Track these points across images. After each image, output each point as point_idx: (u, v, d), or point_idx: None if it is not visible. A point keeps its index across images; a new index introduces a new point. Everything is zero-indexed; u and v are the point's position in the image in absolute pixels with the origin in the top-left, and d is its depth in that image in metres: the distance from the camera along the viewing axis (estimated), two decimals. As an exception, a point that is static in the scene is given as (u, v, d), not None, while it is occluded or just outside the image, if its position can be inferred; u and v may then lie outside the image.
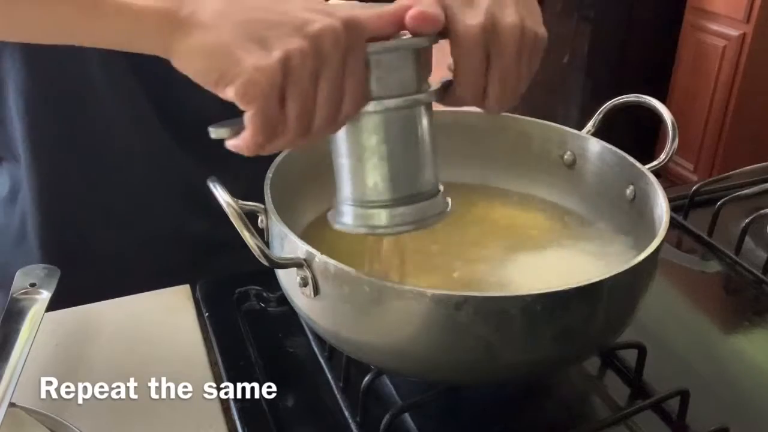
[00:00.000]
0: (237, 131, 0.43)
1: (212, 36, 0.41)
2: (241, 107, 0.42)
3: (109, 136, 0.71)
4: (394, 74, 0.44)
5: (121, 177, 0.73)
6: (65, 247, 0.74)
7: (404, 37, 0.45)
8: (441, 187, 0.50)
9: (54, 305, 0.59)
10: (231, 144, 0.44)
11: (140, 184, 0.74)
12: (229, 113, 0.46)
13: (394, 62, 0.44)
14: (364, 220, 0.47)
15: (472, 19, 0.45)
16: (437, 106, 0.49)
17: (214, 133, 0.44)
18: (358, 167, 0.46)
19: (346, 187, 0.48)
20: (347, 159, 0.47)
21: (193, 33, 0.42)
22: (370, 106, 0.44)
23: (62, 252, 0.73)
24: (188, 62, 0.43)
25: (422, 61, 0.46)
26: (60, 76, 0.67)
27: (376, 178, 0.46)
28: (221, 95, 0.42)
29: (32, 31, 0.47)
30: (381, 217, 0.47)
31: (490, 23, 0.45)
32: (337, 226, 0.49)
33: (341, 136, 0.46)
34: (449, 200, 0.50)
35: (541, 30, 0.49)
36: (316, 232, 0.63)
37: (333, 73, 0.42)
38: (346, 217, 0.48)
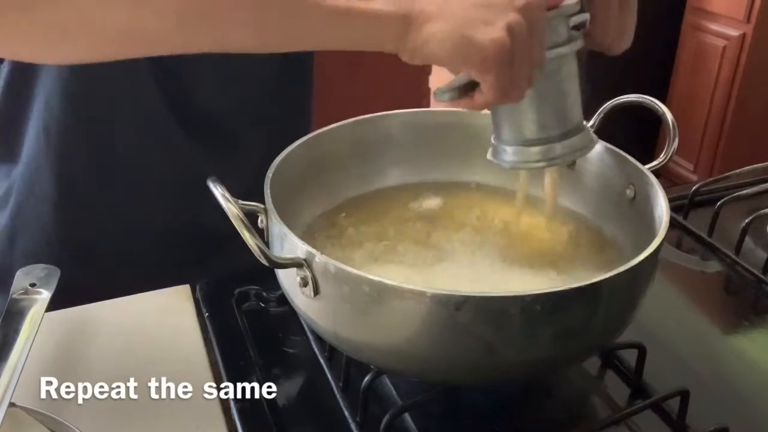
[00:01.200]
0: (463, 92, 0.51)
1: (444, 25, 0.48)
2: (480, 78, 0.49)
3: (121, 134, 0.71)
4: (561, 30, 0.52)
5: (131, 172, 0.73)
6: (68, 246, 0.74)
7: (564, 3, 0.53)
8: (584, 123, 0.56)
9: (54, 305, 0.59)
10: (462, 104, 0.51)
11: (149, 179, 0.74)
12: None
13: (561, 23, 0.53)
14: (521, 156, 0.55)
15: None
16: (437, 105, 0.53)
17: (442, 95, 0.51)
18: (528, 110, 0.53)
19: (509, 129, 0.55)
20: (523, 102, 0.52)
21: (427, 26, 0.49)
22: (550, 54, 0.51)
23: (65, 250, 0.73)
24: (423, 52, 0.49)
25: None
26: (75, 72, 0.67)
27: (545, 116, 0.53)
28: (461, 72, 0.50)
29: (283, 41, 0.51)
30: (555, 149, 0.54)
31: None
32: (494, 160, 0.56)
33: None
34: (593, 135, 0.57)
35: None
36: (317, 232, 0.63)
37: (540, 33, 0.50)
38: (506, 155, 0.55)
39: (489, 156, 0.57)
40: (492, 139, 0.57)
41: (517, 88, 0.50)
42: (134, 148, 0.72)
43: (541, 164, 0.55)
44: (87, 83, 0.67)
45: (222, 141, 0.74)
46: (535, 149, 0.54)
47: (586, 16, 0.54)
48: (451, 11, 0.49)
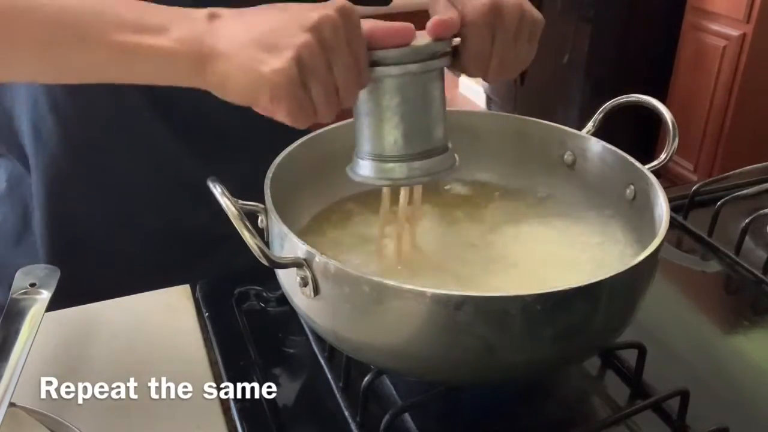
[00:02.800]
0: None
1: (232, 62, 0.46)
2: (276, 114, 0.47)
3: (110, 132, 0.71)
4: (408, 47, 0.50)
5: (123, 172, 0.73)
6: (68, 244, 0.74)
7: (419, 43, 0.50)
8: (450, 145, 0.55)
9: (54, 305, 0.59)
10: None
11: (142, 179, 0.74)
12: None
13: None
14: (383, 173, 0.53)
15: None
16: None
17: None
18: (380, 125, 0.51)
19: (366, 143, 0.53)
20: (369, 118, 0.52)
21: (217, 65, 0.47)
22: (393, 70, 0.49)
23: (65, 249, 0.73)
24: (223, 91, 0.48)
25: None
26: None
27: (395, 135, 0.51)
28: (260, 111, 0.48)
29: (68, 73, 0.51)
30: (399, 169, 0.52)
31: (496, 3, 0.52)
32: (357, 179, 0.54)
33: (363, 97, 0.51)
34: (457, 156, 0.55)
35: (539, 15, 0.56)
36: (317, 232, 0.63)
37: (341, 53, 0.47)
38: (366, 170, 0.53)
39: (348, 171, 0.55)
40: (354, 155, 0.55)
41: (323, 110, 0.48)
42: (123, 149, 0.72)
43: (389, 183, 0.53)
44: (71, 85, 0.67)
45: (214, 141, 0.74)
46: (389, 166, 0.52)
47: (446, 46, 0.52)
48: (238, 45, 0.46)
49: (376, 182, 0.53)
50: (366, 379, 0.52)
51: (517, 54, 0.55)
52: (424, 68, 0.50)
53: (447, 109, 0.54)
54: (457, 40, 0.53)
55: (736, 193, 0.82)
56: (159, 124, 0.72)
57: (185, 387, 0.58)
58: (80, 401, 0.56)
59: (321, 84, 0.47)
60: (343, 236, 0.63)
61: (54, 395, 0.56)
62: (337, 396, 0.56)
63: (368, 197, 0.67)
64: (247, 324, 0.65)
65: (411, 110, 0.51)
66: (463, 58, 0.54)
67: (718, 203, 0.80)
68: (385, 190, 0.58)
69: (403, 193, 0.58)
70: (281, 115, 0.47)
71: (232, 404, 0.56)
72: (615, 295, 0.48)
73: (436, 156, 0.53)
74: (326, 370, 0.58)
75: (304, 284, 0.48)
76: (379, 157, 0.52)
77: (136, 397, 0.57)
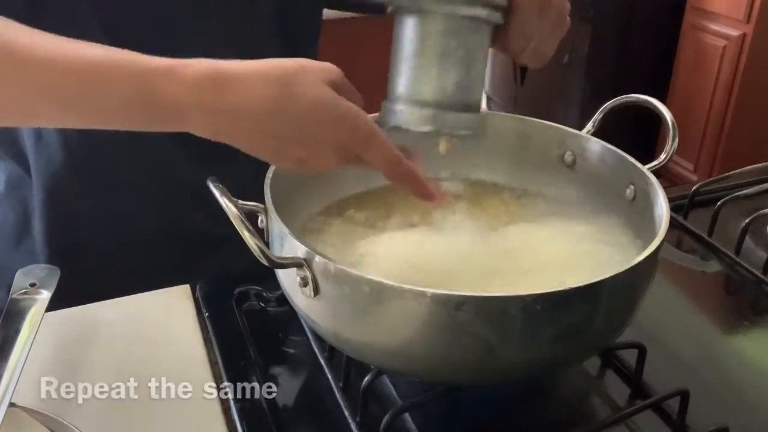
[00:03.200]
0: None
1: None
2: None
3: (109, 132, 0.71)
4: None
5: (123, 173, 0.73)
6: (68, 245, 0.74)
7: None
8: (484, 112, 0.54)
9: (54, 305, 0.59)
10: None
11: (141, 179, 0.74)
12: None
13: None
14: (426, 120, 0.51)
15: None
16: None
17: None
18: (431, 66, 0.50)
19: (406, 85, 0.51)
20: (420, 58, 0.50)
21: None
22: (461, 9, 0.49)
23: (65, 250, 0.73)
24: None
25: None
26: None
27: (447, 78, 0.50)
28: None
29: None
30: (443, 118, 0.51)
31: None
32: (392, 123, 0.52)
33: (417, 35, 0.50)
34: (486, 125, 0.55)
35: (567, 3, 0.58)
36: (316, 232, 0.63)
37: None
38: (404, 116, 0.51)
39: (381, 117, 0.53)
40: (384, 100, 0.54)
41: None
42: (122, 149, 0.71)
43: (427, 128, 0.51)
44: None
45: (214, 145, 0.74)
46: (426, 112, 0.51)
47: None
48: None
49: (415, 128, 0.51)
50: (366, 379, 0.52)
51: (550, 41, 0.57)
52: (473, 13, 0.50)
53: None
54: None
55: (736, 193, 0.82)
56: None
57: (185, 387, 0.58)
58: (80, 401, 0.56)
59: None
60: (343, 236, 0.63)
61: (54, 395, 0.56)
62: (337, 396, 0.56)
63: (368, 197, 0.67)
64: (247, 324, 0.65)
65: (466, 58, 0.50)
66: (509, 31, 0.54)
67: (718, 203, 0.80)
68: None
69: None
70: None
71: (232, 404, 0.56)
72: (615, 295, 0.48)
73: (473, 112, 0.52)
74: (326, 370, 0.58)
75: (304, 284, 0.48)
76: (421, 104, 0.51)
77: (136, 397, 0.57)
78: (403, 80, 0.51)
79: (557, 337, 0.47)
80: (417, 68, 0.50)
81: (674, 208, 0.79)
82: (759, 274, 0.73)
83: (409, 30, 0.50)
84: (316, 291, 0.48)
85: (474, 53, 0.51)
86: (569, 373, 0.60)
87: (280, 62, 0.48)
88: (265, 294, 0.68)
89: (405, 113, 0.51)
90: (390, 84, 0.52)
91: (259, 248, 0.46)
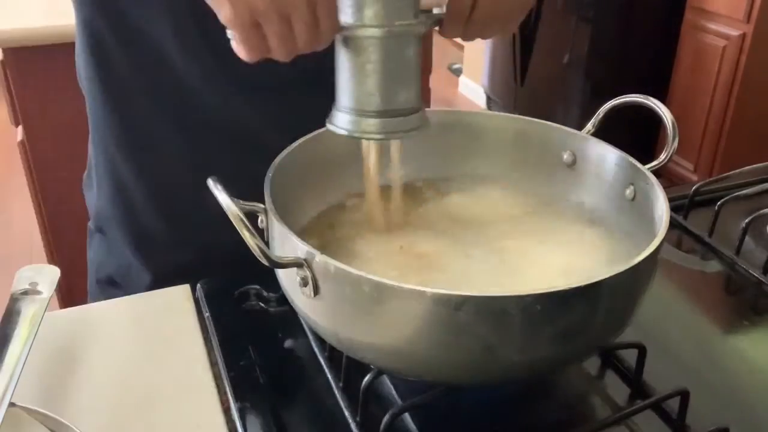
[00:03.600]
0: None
1: None
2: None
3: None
4: (390, 6, 0.51)
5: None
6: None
7: None
8: (422, 106, 0.57)
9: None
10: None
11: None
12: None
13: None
14: (358, 126, 0.54)
15: None
16: (438, 103, 0.51)
17: None
18: (360, 81, 0.53)
19: (345, 97, 0.54)
20: (350, 73, 0.53)
21: None
22: (374, 32, 0.51)
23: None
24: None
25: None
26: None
27: (373, 90, 0.53)
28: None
29: None
30: (374, 124, 0.54)
31: None
32: (331, 128, 0.56)
33: (345, 53, 0.53)
34: (428, 118, 0.57)
35: None
36: (317, 232, 0.63)
37: (301, 9, 0.48)
38: (343, 122, 0.55)
39: (327, 123, 0.57)
40: (333, 106, 0.57)
41: (276, 51, 0.50)
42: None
43: (375, 136, 0.55)
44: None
45: (213, 146, 0.75)
46: (371, 121, 0.54)
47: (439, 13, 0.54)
48: None
49: (349, 134, 0.55)
50: (366, 379, 0.52)
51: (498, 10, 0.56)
52: (402, 30, 0.52)
53: (447, 108, 0.54)
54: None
55: (736, 193, 0.82)
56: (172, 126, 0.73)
57: (185, 387, 0.58)
58: (80, 401, 0.56)
59: (274, 35, 0.49)
60: (343, 236, 0.63)
61: (54, 395, 0.56)
62: (337, 396, 0.56)
63: (368, 197, 0.67)
64: (247, 324, 0.65)
65: (390, 69, 0.53)
66: (446, 18, 0.54)
67: (718, 203, 0.80)
68: (365, 148, 0.60)
69: (374, 150, 0.60)
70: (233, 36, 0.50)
71: (232, 404, 0.56)
72: (615, 295, 0.48)
73: (409, 115, 0.55)
74: (326, 370, 0.58)
75: (304, 284, 0.48)
76: (356, 112, 0.54)
77: (136, 397, 0.57)
78: (345, 92, 0.54)
79: (557, 337, 0.47)
80: (352, 81, 0.54)
81: (674, 208, 0.79)
82: (759, 274, 0.73)
83: (345, 49, 0.53)
84: (316, 291, 0.48)
85: (407, 61, 0.54)
86: (569, 373, 0.60)
87: None
88: (265, 294, 0.68)
89: (352, 123, 0.55)
90: (336, 93, 0.55)
91: (259, 248, 0.46)
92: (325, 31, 0.51)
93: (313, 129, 0.63)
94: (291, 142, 0.61)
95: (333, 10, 0.51)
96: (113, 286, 0.81)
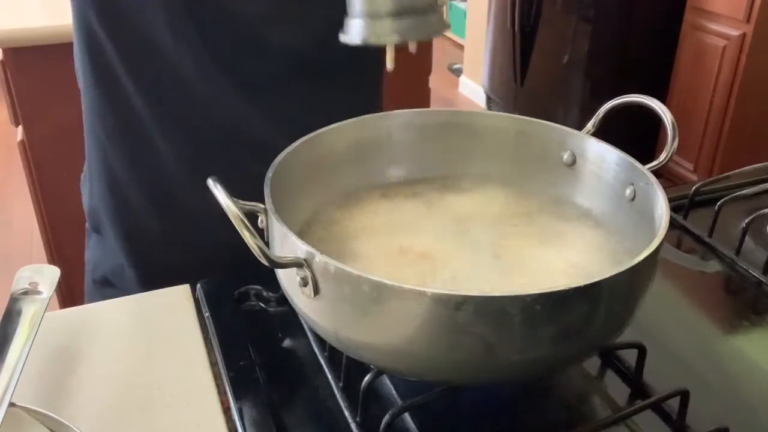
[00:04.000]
0: None
1: None
2: None
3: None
4: None
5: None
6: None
7: None
8: (443, 5, 0.55)
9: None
10: None
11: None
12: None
13: None
14: (372, 30, 0.52)
15: None
16: (438, 103, 0.51)
17: None
18: None
19: (356, 1, 0.52)
20: None
21: None
22: None
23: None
24: None
25: None
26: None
27: None
28: None
29: None
30: (388, 25, 0.52)
31: None
32: (344, 39, 0.53)
33: None
34: (448, 20, 0.55)
35: None
36: (317, 232, 0.63)
37: None
38: (356, 30, 0.53)
39: (340, 36, 0.54)
40: (345, 17, 0.54)
41: None
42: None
43: (393, 38, 0.52)
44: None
45: (209, 143, 0.75)
46: (387, 22, 0.52)
47: None
48: None
49: (367, 42, 0.52)
50: (366, 379, 0.52)
51: None
52: None
53: (446, 109, 0.53)
54: None
55: (736, 193, 0.82)
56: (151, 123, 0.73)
57: (185, 387, 0.58)
58: (80, 401, 0.56)
59: None
60: (343, 236, 0.63)
61: (54, 395, 0.56)
62: (337, 396, 0.56)
63: (368, 196, 0.67)
64: (247, 324, 0.65)
65: None
66: None
67: (718, 203, 0.80)
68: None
69: (390, 52, 0.56)
70: None
71: (232, 404, 0.56)
72: (615, 295, 0.48)
73: (427, 14, 0.53)
74: (326, 370, 0.58)
75: (304, 284, 0.48)
76: (370, 15, 0.52)
77: (136, 397, 0.57)
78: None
79: (557, 337, 0.47)
80: None
81: (674, 208, 0.79)
82: (759, 274, 0.73)
83: None
84: (316, 291, 0.48)
85: None
86: (569, 373, 0.60)
87: None
88: (265, 294, 0.68)
89: (366, 28, 0.52)
90: (348, 1, 0.53)
91: (259, 248, 0.46)
92: None
93: (310, 125, 0.62)
94: (286, 139, 0.61)
95: None
96: (108, 286, 0.82)
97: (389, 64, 0.55)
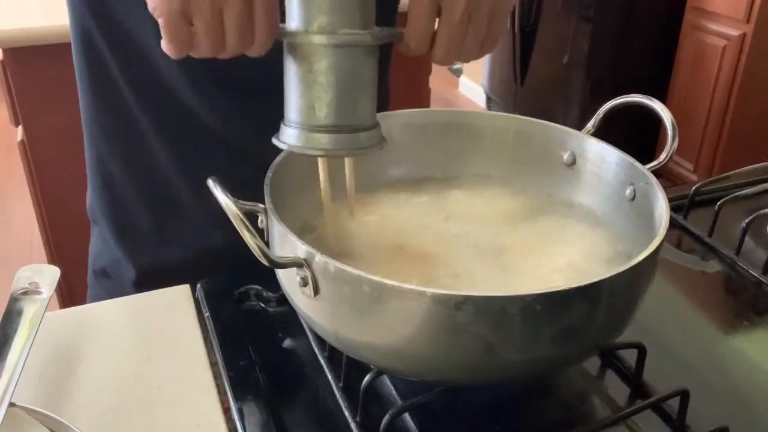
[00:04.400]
0: None
1: None
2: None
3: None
4: (338, 13, 0.48)
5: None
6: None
7: None
8: (378, 123, 0.54)
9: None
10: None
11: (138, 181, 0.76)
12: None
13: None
14: (302, 140, 0.52)
15: None
16: (438, 103, 0.51)
17: None
18: (307, 93, 0.51)
19: (293, 110, 0.52)
20: (297, 84, 0.51)
21: None
22: (322, 39, 0.49)
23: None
24: None
25: (368, 6, 0.50)
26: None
27: (322, 104, 0.50)
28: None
29: None
30: (318, 139, 0.51)
31: None
32: (278, 144, 0.53)
33: (291, 62, 0.50)
34: (384, 137, 0.55)
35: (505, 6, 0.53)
36: (317, 232, 0.63)
37: (236, 6, 0.46)
38: (290, 138, 0.52)
39: (273, 138, 0.54)
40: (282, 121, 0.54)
41: (203, 47, 0.48)
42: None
43: (318, 153, 0.52)
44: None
45: (212, 147, 0.75)
46: (316, 136, 0.51)
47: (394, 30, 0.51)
48: None
49: (296, 150, 0.52)
50: (366, 379, 0.52)
51: (473, 34, 0.52)
52: (351, 41, 0.49)
53: (446, 109, 0.53)
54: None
55: (736, 193, 0.82)
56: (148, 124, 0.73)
57: (185, 387, 0.58)
58: (80, 401, 0.56)
59: (203, 26, 0.47)
60: (343, 235, 0.63)
61: (54, 395, 0.56)
62: (337, 396, 0.56)
63: (368, 195, 0.67)
64: (247, 324, 0.65)
65: (339, 83, 0.50)
66: (406, 34, 0.51)
67: (718, 203, 0.80)
68: (322, 168, 0.57)
69: (322, 168, 0.57)
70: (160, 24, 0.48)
71: (232, 404, 0.56)
72: (615, 295, 0.48)
73: (361, 132, 0.53)
74: (326, 370, 0.58)
75: (304, 284, 0.48)
76: (305, 126, 0.51)
77: (136, 397, 0.57)
78: (294, 105, 0.52)
79: (557, 336, 0.47)
80: (300, 93, 0.51)
81: (674, 208, 0.79)
82: (759, 274, 0.73)
83: (290, 57, 0.51)
84: (316, 291, 0.48)
85: (357, 75, 0.51)
86: (569, 373, 0.60)
87: None
88: (265, 294, 0.68)
89: (297, 137, 0.52)
90: (285, 106, 0.53)
91: (259, 248, 0.46)
92: (260, 31, 0.48)
93: None
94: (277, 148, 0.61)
95: (271, 10, 0.48)
96: (106, 278, 0.82)
97: (321, 175, 0.56)
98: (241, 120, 0.73)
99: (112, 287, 0.80)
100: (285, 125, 0.53)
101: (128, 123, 0.73)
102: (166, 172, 0.75)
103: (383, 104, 0.83)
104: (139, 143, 0.74)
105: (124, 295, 0.70)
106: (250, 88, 0.71)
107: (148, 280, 0.73)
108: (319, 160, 0.56)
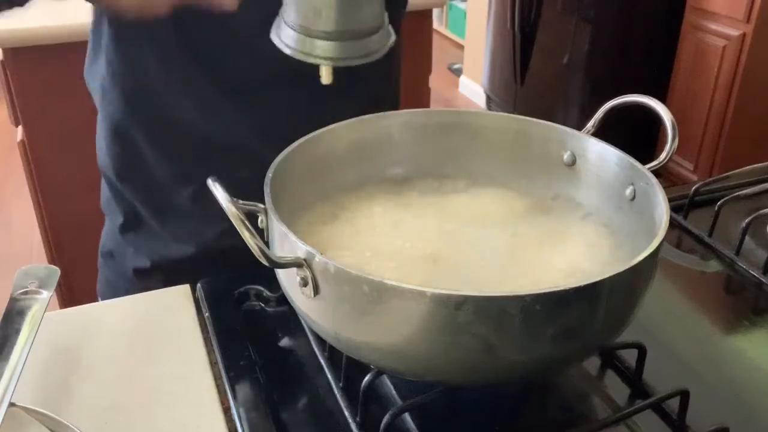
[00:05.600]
0: None
1: None
2: None
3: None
4: None
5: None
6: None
7: None
8: (386, 21, 0.51)
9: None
10: None
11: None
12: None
13: None
14: (304, 45, 0.50)
15: None
16: (438, 103, 0.50)
17: None
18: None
19: (292, 10, 0.49)
20: None
21: None
22: None
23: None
24: None
25: None
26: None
27: (329, 9, 0.48)
28: None
29: None
30: (321, 47, 0.49)
31: None
32: (278, 44, 0.51)
33: None
34: (392, 32, 0.52)
35: None
36: (317, 232, 0.63)
37: None
38: (291, 40, 0.50)
39: (271, 33, 0.51)
40: (280, 13, 0.51)
41: None
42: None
43: (322, 61, 0.50)
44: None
45: (212, 147, 0.75)
46: (319, 43, 0.49)
47: None
48: None
49: (295, 55, 0.50)
50: (366, 379, 0.52)
51: None
52: None
53: (446, 109, 0.53)
54: None
55: (736, 193, 0.82)
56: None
57: (185, 387, 0.58)
58: (80, 401, 0.56)
59: None
60: (343, 236, 0.63)
61: (54, 395, 0.56)
62: (337, 396, 0.56)
63: (368, 196, 0.67)
64: (247, 324, 0.65)
65: None
66: None
67: (718, 203, 0.80)
68: (325, 73, 0.54)
69: (326, 73, 0.54)
70: None
71: (232, 404, 0.56)
72: (615, 295, 0.48)
73: (367, 37, 0.50)
74: (326, 370, 0.58)
75: (304, 284, 0.48)
76: (306, 30, 0.50)
77: (136, 396, 0.57)
78: (293, 6, 0.50)
79: (557, 337, 0.47)
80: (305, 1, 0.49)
81: (674, 208, 0.79)
82: (759, 274, 0.73)
83: None
84: (316, 291, 0.48)
85: None
86: (569, 373, 0.60)
87: None
88: (265, 294, 0.68)
89: (298, 41, 0.50)
90: (283, 5, 0.51)
91: (259, 248, 0.46)
92: None
93: (297, 132, 0.62)
94: (273, 144, 0.60)
95: None
96: (110, 258, 0.84)
97: (324, 79, 0.53)
98: (238, 119, 0.73)
99: (115, 267, 0.82)
100: (286, 24, 0.50)
101: (123, 123, 0.74)
102: (162, 172, 0.75)
103: (394, 101, 0.83)
104: (134, 146, 0.75)
105: (127, 277, 0.71)
106: (247, 87, 0.71)
107: (148, 272, 0.74)
108: (323, 67, 0.53)
